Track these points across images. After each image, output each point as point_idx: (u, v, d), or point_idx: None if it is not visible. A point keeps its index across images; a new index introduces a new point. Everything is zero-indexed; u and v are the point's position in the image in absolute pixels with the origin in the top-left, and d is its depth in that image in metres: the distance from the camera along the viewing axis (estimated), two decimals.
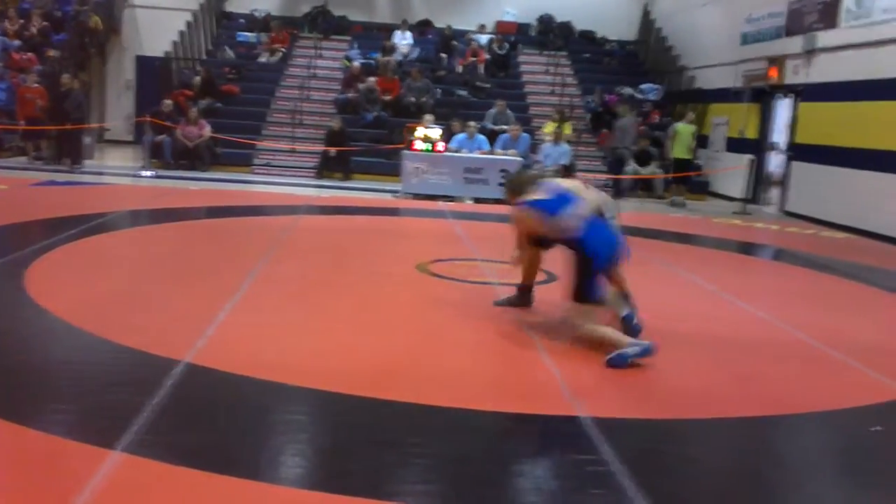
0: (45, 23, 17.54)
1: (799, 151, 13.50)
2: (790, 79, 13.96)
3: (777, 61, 14.20)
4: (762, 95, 15.00)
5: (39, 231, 7.68)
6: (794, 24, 13.86)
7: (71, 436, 3.18)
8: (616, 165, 15.25)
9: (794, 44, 13.67)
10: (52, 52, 16.52)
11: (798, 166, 13.47)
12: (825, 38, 12.92)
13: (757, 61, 14.89)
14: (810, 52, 13.24)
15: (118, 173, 13.90)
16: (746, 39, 15.55)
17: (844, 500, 3.29)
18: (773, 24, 14.65)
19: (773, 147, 14.81)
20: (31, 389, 3.70)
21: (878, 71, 11.49)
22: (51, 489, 2.79)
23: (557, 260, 5.24)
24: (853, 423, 4.05)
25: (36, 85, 14.64)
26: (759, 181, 14.81)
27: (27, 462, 3.00)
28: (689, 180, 14.92)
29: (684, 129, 14.59)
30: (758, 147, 14.89)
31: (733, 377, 4.58)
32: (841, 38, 12.48)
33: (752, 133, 15.23)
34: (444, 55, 18.87)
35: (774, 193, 14.59)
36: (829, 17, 12.85)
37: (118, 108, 19.95)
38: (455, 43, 19.11)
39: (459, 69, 18.37)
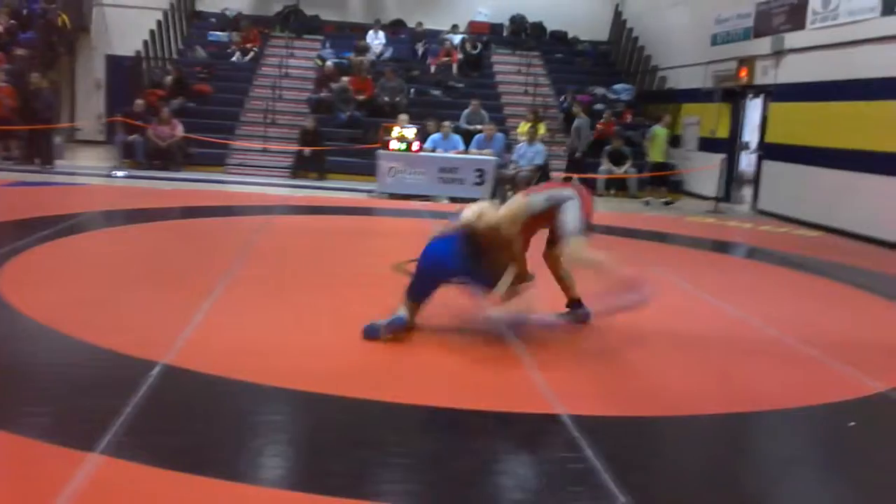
0: (12, 21, 17.28)
1: (769, 151, 13.67)
2: (760, 79, 14.13)
3: (746, 62, 14.37)
4: (733, 95, 15.16)
5: (11, 232, 7.56)
6: (763, 25, 14.04)
7: (48, 439, 3.14)
8: (573, 166, 15.25)
9: (763, 45, 13.85)
10: (19, 51, 16.28)
11: (769, 165, 13.64)
12: (793, 39, 13.10)
13: (727, 62, 15.05)
14: (779, 53, 13.42)
15: (90, 174, 13.73)
16: (716, 40, 15.73)
17: (820, 496, 3.35)
18: (741, 25, 14.83)
19: (744, 146, 14.99)
20: (6, 392, 3.66)
21: (844, 71, 11.67)
22: (29, 492, 2.77)
23: (535, 259, 5.27)
24: (828, 419, 4.11)
25: (4, 84, 14.43)
26: (732, 180, 14.98)
27: (4, 466, 2.98)
28: (667, 181, 15.00)
29: (661, 132, 14.69)
30: (729, 146, 15.06)
31: (710, 375, 4.63)
32: (808, 40, 12.66)
33: (723, 133, 15.39)
34: (417, 45, 18.91)
35: (746, 192, 14.77)
36: (796, 19, 13.04)
37: (88, 108, 19.71)
38: (420, 43, 19.15)
39: (433, 69, 18.40)
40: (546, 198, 5.05)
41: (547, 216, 5.03)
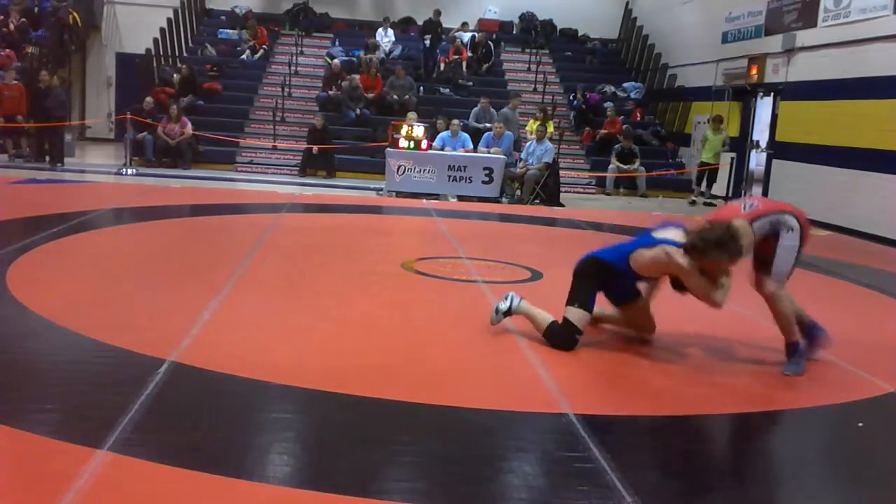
0: (22, 19, 17.35)
1: (780, 149, 13.61)
2: (770, 77, 14.08)
3: (757, 60, 14.31)
4: (743, 94, 15.11)
5: (21, 229, 7.60)
6: (774, 23, 13.98)
7: (56, 435, 3.16)
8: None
9: (774, 42, 13.79)
10: (30, 49, 16.35)
11: (779, 164, 13.58)
12: (804, 37, 13.04)
13: (737, 60, 15.00)
14: (790, 51, 13.36)
15: (100, 171, 13.81)
16: (727, 38, 15.67)
17: (828, 496, 3.33)
18: (752, 23, 14.77)
19: (754, 145, 14.92)
20: (15, 389, 3.67)
21: (856, 70, 11.61)
22: (37, 489, 2.77)
23: (543, 258, 5.26)
24: (837, 420, 4.09)
25: (15, 82, 14.50)
26: (741, 179, 14.92)
27: (12, 462, 2.99)
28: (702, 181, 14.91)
29: (708, 134, 14.62)
30: (739, 145, 15.00)
31: (717, 374, 4.61)
32: (819, 37, 12.60)
33: (733, 131, 15.33)
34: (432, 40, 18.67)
35: (756, 191, 14.70)
36: (807, 17, 12.98)
37: (98, 106, 19.82)
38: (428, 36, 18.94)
39: (442, 67, 18.38)
40: (771, 221, 4.60)
41: (766, 242, 4.62)
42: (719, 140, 14.56)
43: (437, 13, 18.72)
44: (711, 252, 4.33)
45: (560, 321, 4.69)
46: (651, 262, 4.51)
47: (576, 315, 4.63)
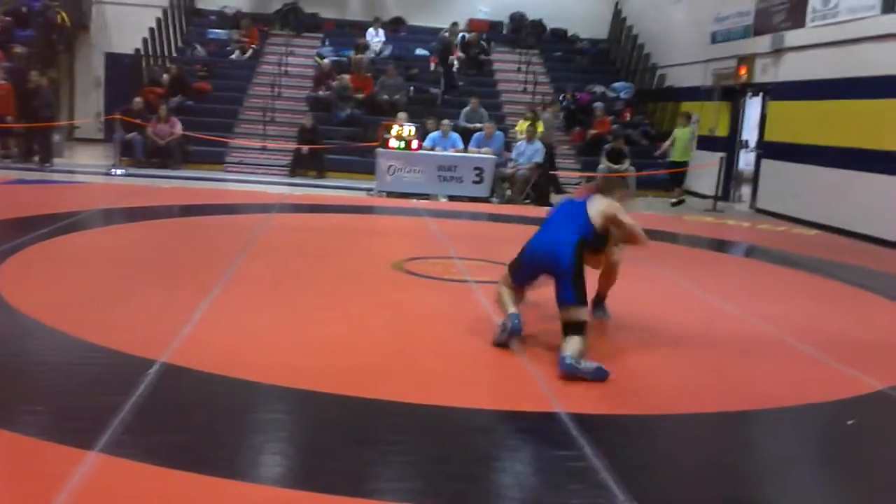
0: (6, 18, 17.22)
1: (768, 149, 13.67)
2: (759, 77, 14.14)
3: (746, 60, 14.37)
4: (732, 94, 15.16)
5: (9, 230, 7.55)
6: (762, 24, 14.04)
7: (47, 437, 3.14)
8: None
9: (763, 43, 13.85)
10: (18, 49, 16.25)
11: (768, 164, 13.64)
12: (792, 37, 13.09)
13: (726, 60, 15.05)
14: (778, 51, 13.42)
15: (89, 172, 13.73)
16: (716, 38, 15.72)
17: (819, 494, 3.35)
18: (741, 24, 14.83)
19: (743, 145, 14.98)
20: (5, 390, 3.65)
21: (844, 69, 11.67)
22: (27, 491, 2.76)
23: None
24: (826, 417, 4.11)
25: (3, 82, 14.41)
26: (730, 179, 14.98)
27: (2, 464, 2.97)
28: (681, 181, 14.96)
29: (680, 133, 14.65)
30: (728, 145, 15.06)
31: (708, 373, 4.63)
32: (808, 38, 12.66)
33: (722, 131, 15.39)
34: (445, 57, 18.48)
35: (745, 191, 14.76)
36: (796, 17, 13.03)
37: (87, 106, 19.70)
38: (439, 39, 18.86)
39: (433, 67, 18.37)
40: None
41: None
42: (685, 134, 14.57)
43: (453, 26, 18.81)
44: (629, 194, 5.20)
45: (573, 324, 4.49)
46: (611, 211, 4.83)
47: (586, 313, 4.59)
